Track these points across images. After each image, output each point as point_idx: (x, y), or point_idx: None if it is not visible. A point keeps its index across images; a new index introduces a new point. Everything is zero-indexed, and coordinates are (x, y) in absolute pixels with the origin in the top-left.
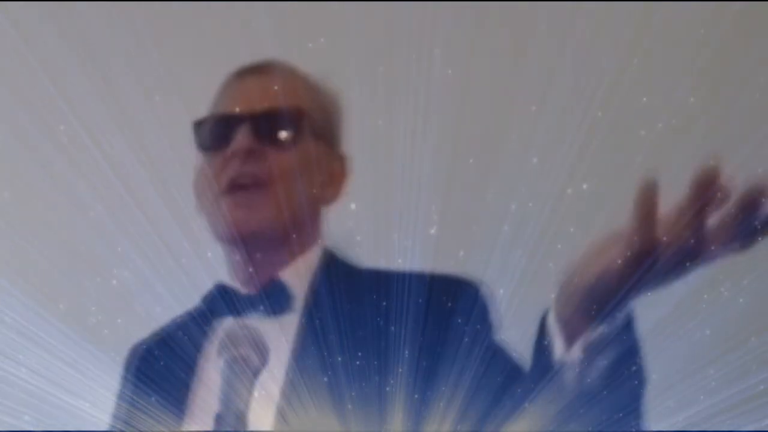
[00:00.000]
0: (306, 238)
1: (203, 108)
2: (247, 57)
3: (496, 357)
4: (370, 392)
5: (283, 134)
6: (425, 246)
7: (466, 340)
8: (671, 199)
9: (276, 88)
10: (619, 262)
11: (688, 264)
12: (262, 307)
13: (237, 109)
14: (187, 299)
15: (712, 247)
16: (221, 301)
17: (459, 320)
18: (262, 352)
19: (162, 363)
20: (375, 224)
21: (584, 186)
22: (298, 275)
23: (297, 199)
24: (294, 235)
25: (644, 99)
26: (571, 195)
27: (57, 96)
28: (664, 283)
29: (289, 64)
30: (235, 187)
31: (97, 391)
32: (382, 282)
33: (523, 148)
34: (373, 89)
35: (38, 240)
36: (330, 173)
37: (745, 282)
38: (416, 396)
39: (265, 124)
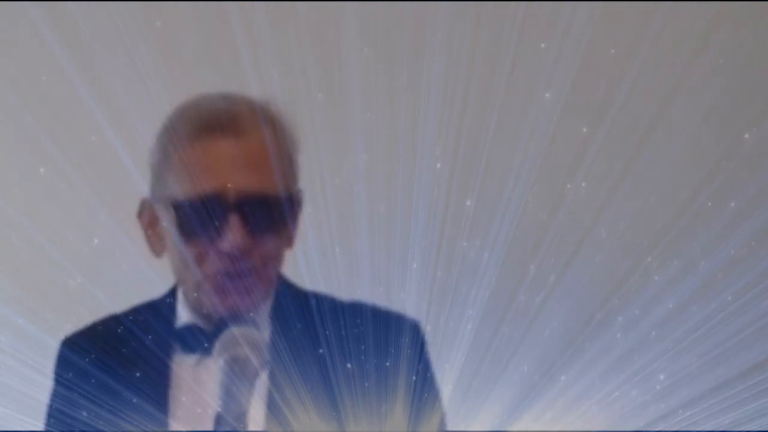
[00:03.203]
0: (273, 284)
1: None
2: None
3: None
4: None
5: (278, 223)
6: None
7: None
8: None
9: (257, 157)
10: None
11: None
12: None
13: (224, 193)
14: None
15: None
16: (189, 339)
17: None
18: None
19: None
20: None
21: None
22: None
23: (280, 264)
24: (267, 293)
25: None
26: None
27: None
28: None
29: (254, 106)
30: (223, 277)
31: None
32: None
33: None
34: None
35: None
36: (295, 215)
37: None
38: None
39: (258, 215)
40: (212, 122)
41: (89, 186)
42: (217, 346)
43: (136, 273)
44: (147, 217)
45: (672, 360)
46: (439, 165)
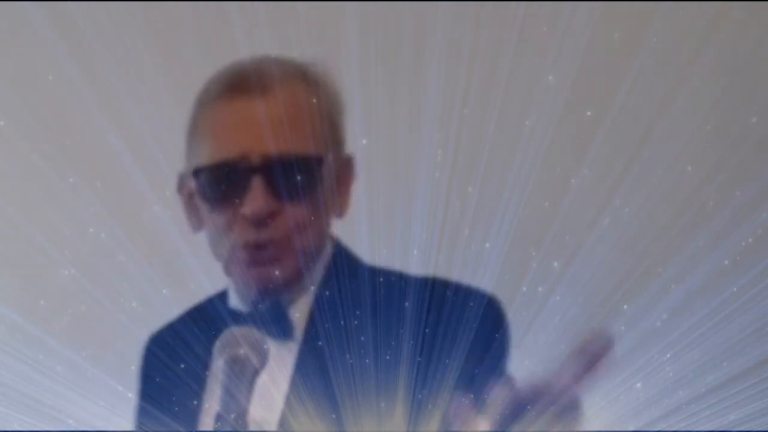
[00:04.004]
0: (318, 254)
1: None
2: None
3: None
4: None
5: (307, 187)
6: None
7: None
8: None
9: (285, 116)
10: None
11: None
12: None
13: (245, 155)
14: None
15: None
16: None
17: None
18: (261, 353)
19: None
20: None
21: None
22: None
23: (315, 237)
24: (309, 264)
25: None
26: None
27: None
28: None
29: (288, 64)
30: (249, 247)
31: None
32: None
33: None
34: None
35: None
36: (340, 185)
37: None
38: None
39: (283, 178)
40: (237, 82)
41: (82, 175)
42: (218, 345)
43: (131, 265)
44: (185, 190)
45: (680, 354)
46: (440, 151)
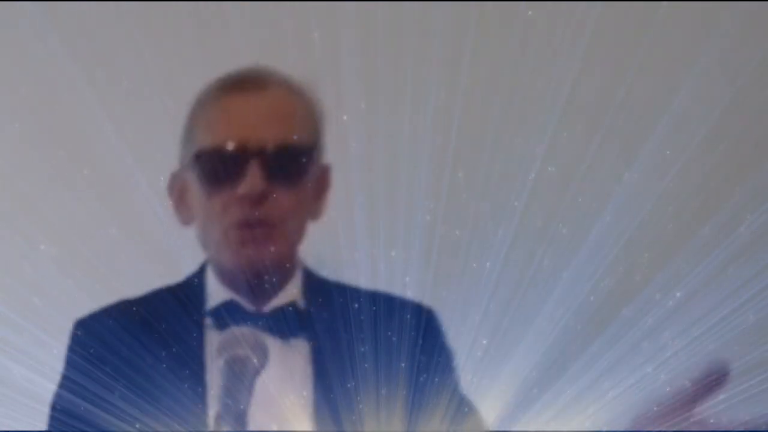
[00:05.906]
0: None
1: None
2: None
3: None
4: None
5: (297, 174)
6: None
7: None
8: None
9: (279, 111)
10: None
11: None
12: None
13: (244, 141)
14: None
15: None
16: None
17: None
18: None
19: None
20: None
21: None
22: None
23: (301, 228)
24: (292, 260)
25: None
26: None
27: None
28: None
29: (280, 73)
30: (242, 226)
31: None
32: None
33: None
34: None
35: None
36: (318, 189)
37: None
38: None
39: (277, 163)
40: (235, 81)
41: (70, 158)
42: (218, 345)
43: (112, 244)
44: (177, 188)
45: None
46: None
